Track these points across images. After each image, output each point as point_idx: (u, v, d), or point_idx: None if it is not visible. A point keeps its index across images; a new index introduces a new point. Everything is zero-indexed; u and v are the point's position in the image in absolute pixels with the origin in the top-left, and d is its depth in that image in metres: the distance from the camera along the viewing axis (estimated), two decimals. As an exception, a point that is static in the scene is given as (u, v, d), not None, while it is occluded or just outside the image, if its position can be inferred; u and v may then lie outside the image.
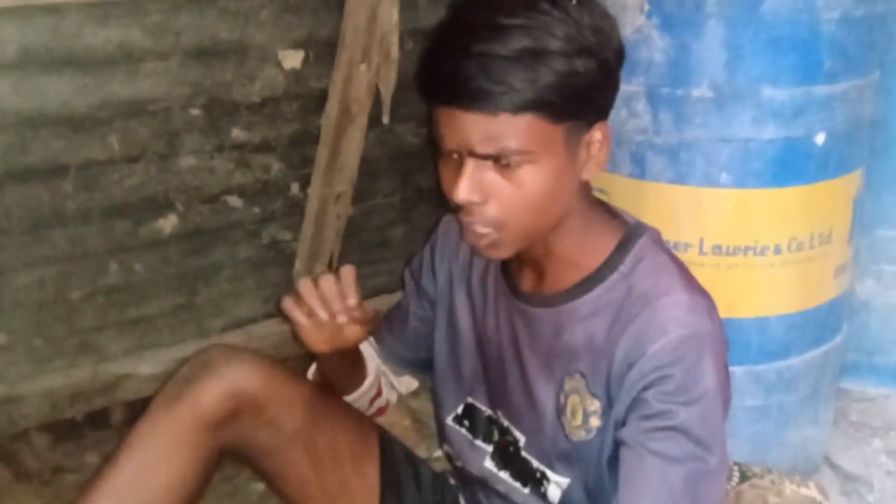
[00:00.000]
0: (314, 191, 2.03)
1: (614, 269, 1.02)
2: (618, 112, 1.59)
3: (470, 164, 0.94)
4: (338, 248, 2.16)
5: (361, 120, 1.98)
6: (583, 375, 1.03)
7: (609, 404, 1.01)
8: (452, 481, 1.31)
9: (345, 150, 2.00)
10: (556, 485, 1.08)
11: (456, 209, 0.99)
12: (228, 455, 1.18)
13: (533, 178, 0.94)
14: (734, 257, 1.58)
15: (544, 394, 1.07)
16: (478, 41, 0.90)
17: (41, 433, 1.93)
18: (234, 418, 1.13)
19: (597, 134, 0.98)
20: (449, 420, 1.20)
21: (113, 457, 1.14)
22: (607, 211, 1.08)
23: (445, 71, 0.91)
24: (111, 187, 1.74)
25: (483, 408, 1.17)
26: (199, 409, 1.11)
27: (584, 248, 1.03)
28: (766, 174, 1.55)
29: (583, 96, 0.93)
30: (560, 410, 1.05)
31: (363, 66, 1.90)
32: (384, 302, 2.35)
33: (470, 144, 0.93)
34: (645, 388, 0.96)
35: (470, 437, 1.18)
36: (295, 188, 2.02)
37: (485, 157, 0.94)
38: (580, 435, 1.04)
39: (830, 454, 1.88)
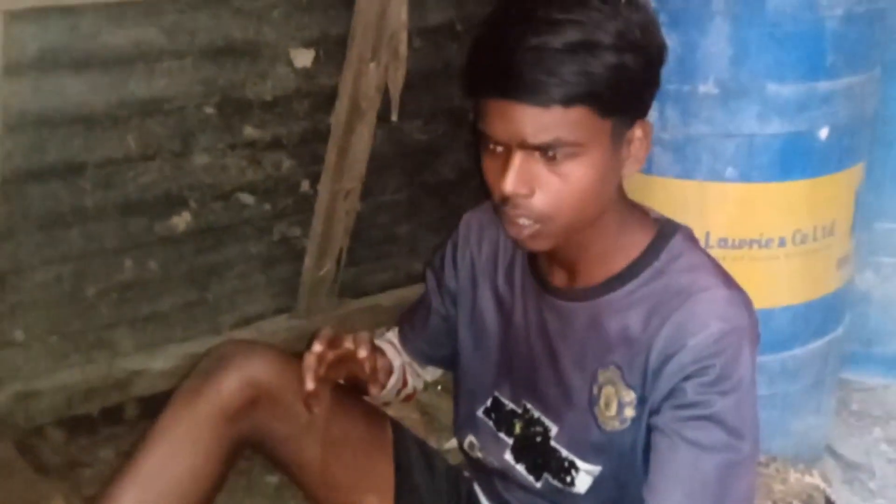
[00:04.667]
0: (324, 187, 2.05)
1: (649, 264, 1.05)
2: (625, 108, 1.62)
3: (518, 157, 0.96)
4: (346, 245, 2.19)
5: (370, 117, 2.00)
6: (618, 367, 1.05)
7: (644, 395, 1.03)
8: (466, 473, 1.33)
9: (354, 147, 2.02)
10: (587, 473, 1.10)
11: (502, 201, 0.99)
12: (247, 445, 1.22)
13: (580, 171, 0.96)
14: (740, 250, 1.61)
15: (578, 386, 1.09)
16: (532, 34, 0.92)
17: (57, 428, 1.95)
18: (251, 408, 1.16)
19: (638, 131, 1.00)
20: (479, 412, 1.22)
21: (136, 449, 1.18)
22: (638, 208, 1.10)
23: (500, 63, 0.93)
24: (127, 185, 1.76)
25: (506, 402, 1.19)
26: (219, 399, 1.14)
27: (619, 244, 1.06)
28: (771, 168, 1.58)
29: (630, 91, 0.96)
30: (593, 402, 1.07)
31: (373, 65, 1.92)
32: (391, 298, 2.38)
33: (521, 136, 0.94)
34: (684, 379, 0.99)
35: (494, 429, 1.20)
36: (305, 185, 2.04)
37: (535, 149, 0.95)
38: (614, 425, 1.06)
39: (832, 443, 1.91)
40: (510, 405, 1.19)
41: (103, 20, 1.55)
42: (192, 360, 2.06)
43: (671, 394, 1.00)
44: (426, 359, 1.36)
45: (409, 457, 1.30)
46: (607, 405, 1.06)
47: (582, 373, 1.09)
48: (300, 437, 1.21)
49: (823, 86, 1.55)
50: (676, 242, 1.06)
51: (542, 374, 1.13)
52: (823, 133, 1.58)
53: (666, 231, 1.07)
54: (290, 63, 1.84)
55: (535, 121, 0.93)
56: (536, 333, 1.13)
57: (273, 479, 1.89)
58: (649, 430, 1.04)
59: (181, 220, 1.89)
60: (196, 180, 1.86)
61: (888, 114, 1.85)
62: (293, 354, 1.24)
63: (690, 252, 1.06)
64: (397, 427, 1.32)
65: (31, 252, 1.74)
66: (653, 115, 1.58)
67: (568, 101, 0.92)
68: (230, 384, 1.15)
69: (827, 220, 1.64)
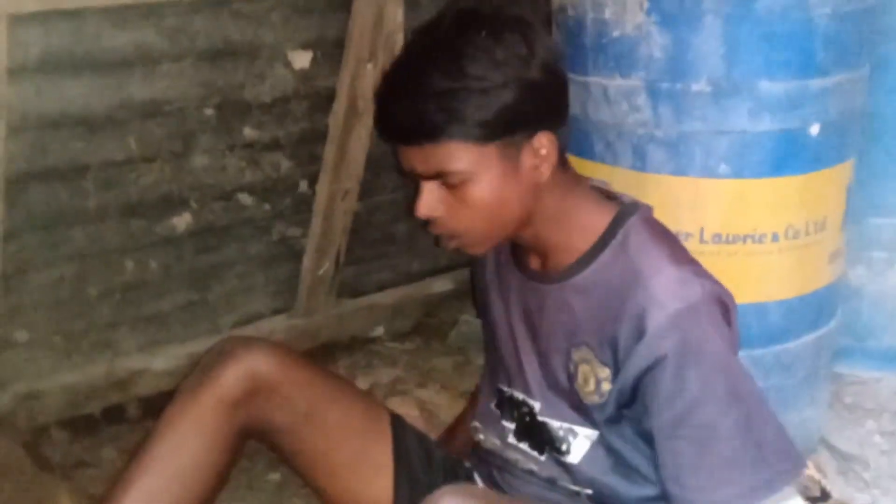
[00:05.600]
0: (322, 188, 2.07)
1: (605, 245, 1.11)
2: (619, 106, 1.64)
3: (425, 185, 1.08)
4: (344, 244, 2.21)
5: (368, 118, 2.02)
6: (590, 347, 1.11)
7: (616, 371, 1.08)
8: (467, 464, 1.37)
9: (352, 147, 2.05)
10: (585, 438, 1.15)
11: (424, 223, 1.13)
12: (249, 435, 1.27)
13: (476, 193, 1.06)
14: (733, 245, 1.63)
15: (556, 364, 1.16)
16: (403, 86, 1.05)
17: (60, 428, 1.97)
18: (251, 398, 1.22)
19: (541, 140, 1.07)
20: (492, 405, 1.29)
21: (143, 443, 1.23)
22: (601, 194, 1.17)
23: (381, 114, 1.09)
24: (128, 186, 1.78)
25: (506, 389, 1.26)
26: (220, 390, 1.21)
27: (577, 228, 1.12)
28: (764, 165, 1.60)
29: (506, 118, 1.04)
30: (572, 378, 1.14)
31: (370, 65, 1.94)
32: (389, 297, 2.40)
33: (415, 170, 1.07)
34: (652, 368, 1.03)
35: (500, 417, 1.27)
36: (303, 185, 2.06)
37: (429, 178, 1.07)
38: (593, 399, 1.12)
39: (827, 435, 1.93)
40: (509, 391, 1.26)
41: (105, 23, 1.57)
42: (193, 359, 2.07)
43: (647, 385, 1.04)
44: None
45: (407, 446, 1.34)
46: (585, 381, 1.12)
47: (558, 352, 1.16)
48: (300, 427, 1.27)
49: (814, 83, 1.57)
50: (632, 223, 1.11)
51: (524, 356, 1.21)
52: (814, 130, 1.60)
53: (624, 213, 1.13)
54: (288, 65, 1.87)
55: (418, 157, 1.06)
56: (519, 317, 1.21)
57: (275, 476, 1.90)
58: (621, 405, 1.10)
59: (181, 221, 1.91)
60: (196, 181, 1.88)
61: (878, 110, 1.87)
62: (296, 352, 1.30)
63: (643, 232, 1.10)
64: (395, 418, 1.37)
65: (34, 253, 1.76)
66: (647, 113, 1.61)
67: (434, 139, 1.03)
68: (230, 376, 1.21)
69: (819, 216, 1.67)
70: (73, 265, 1.82)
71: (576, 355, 1.13)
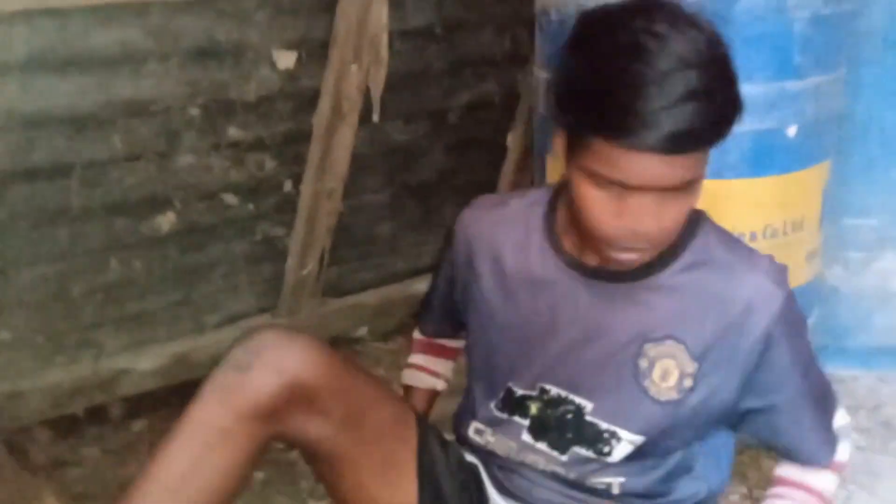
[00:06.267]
0: (306, 188, 2.08)
1: (685, 246, 1.11)
2: (601, 108, 1.66)
3: (650, 198, 0.98)
4: (329, 244, 2.22)
5: (352, 118, 2.04)
6: (679, 341, 1.11)
7: (705, 366, 1.11)
8: (469, 458, 1.33)
9: (336, 147, 2.06)
10: (629, 443, 1.15)
11: (617, 237, 1.01)
12: (277, 440, 1.18)
13: (691, 199, 1.02)
14: (713, 244, 1.66)
15: (621, 361, 1.14)
16: (664, 88, 0.93)
17: (43, 428, 1.97)
18: (286, 409, 1.11)
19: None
20: (492, 404, 1.24)
21: (164, 446, 1.11)
22: None
23: (640, 117, 0.93)
24: (112, 185, 1.79)
25: (518, 389, 1.21)
26: (255, 400, 1.08)
27: None
28: (742, 165, 1.63)
29: (734, 119, 1.00)
30: (641, 375, 1.13)
31: (354, 66, 1.96)
32: (373, 297, 2.42)
33: (662, 182, 0.97)
34: (766, 351, 1.10)
35: (507, 415, 1.23)
36: (288, 185, 2.07)
37: (668, 190, 0.98)
38: (671, 395, 1.12)
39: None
40: (521, 391, 1.21)
41: (90, 22, 1.58)
42: (177, 359, 2.08)
43: (763, 369, 1.11)
44: (450, 333, 1.42)
45: (431, 450, 1.29)
46: (664, 377, 1.12)
47: (625, 348, 1.13)
48: (333, 435, 1.17)
49: (791, 85, 1.61)
50: (705, 224, 1.14)
51: (574, 356, 1.16)
52: (792, 131, 1.63)
53: (692, 214, 1.10)
54: (273, 65, 1.88)
55: (673, 167, 0.96)
56: (569, 318, 1.16)
57: (259, 475, 1.91)
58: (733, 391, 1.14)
59: (166, 220, 1.92)
60: (180, 181, 1.89)
61: (854, 112, 1.91)
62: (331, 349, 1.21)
63: (720, 232, 1.15)
64: (420, 421, 1.31)
65: (18, 252, 1.76)
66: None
67: (702, 147, 0.98)
68: (267, 385, 1.09)
69: (796, 215, 1.70)
70: (56, 265, 1.82)
71: (652, 351, 1.12)
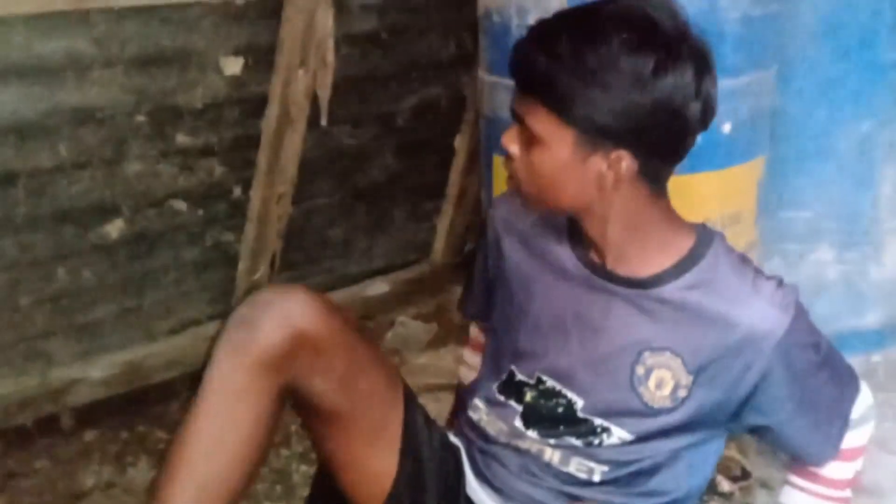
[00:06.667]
0: (256, 193, 2.10)
1: (695, 263, 1.15)
2: (544, 108, 1.71)
3: (513, 125, 1.12)
4: (279, 248, 2.23)
5: (300, 123, 2.06)
6: (676, 354, 1.15)
7: (700, 381, 1.14)
8: (452, 439, 1.36)
9: (285, 152, 2.08)
10: (618, 438, 1.18)
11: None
12: (287, 394, 1.19)
13: (536, 157, 1.10)
14: (654, 239, 1.71)
15: (618, 364, 1.17)
16: (545, 41, 1.06)
17: (-8, 440, 1.95)
18: (295, 360, 1.14)
19: (619, 156, 1.08)
20: (495, 385, 1.28)
21: (190, 415, 1.15)
22: (676, 215, 1.18)
23: (520, 57, 1.07)
24: (59, 194, 1.78)
25: (519, 374, 1.25)
26: (264, 352, 1.11)
27: (652, 243, 1.15)
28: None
29: (594, 119, 1.06)
30: (637, 381, 1.16)
31: (301, 71, 1.98)
32: (325, 300, 2.43)
33: (516, 110, 1.10)
34: (766, 376, 1.12)
35: (503, 398, 1.26)
36: (237, 191, 2.08)
37: (520, 123, 1.10)
38: (664, 403, 1.16)
39: (748, 419, 2.03)
40: (521, 377, 1.25)
41: (34, 30, 1.58)
42: (129, 367, 2.08)
43: (763, 391, 1.14)
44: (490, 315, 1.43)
45: (416, 424, 1.31)
46: (659, 386, 1.16)
47: (623, 353, 1.17)
48: (333, 391, 1.19)
49: (725, 83, 1.63)
50: (717, 245, 1.17)
51: (572, 351, 1.20)
52: (727, 128, 1.69)
53: (706, 235, 1.17)
54: (219, 71, 1.90)
55: (523, 102, 1.09)
56: (574, 313, 1.20)
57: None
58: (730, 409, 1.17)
59: (114, 228, 1.92)
60: (129, 188, 1.89)
61: (788, 109, 1.98)
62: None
63: (731, 254, 1.18)
64: (407, 389, 1.34)
65: (-37, 263, 1.75)
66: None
67: (537, 98, 1.07)
68: (274, 335, 1.12)
69: (733, 209, 1.76)
70: (3, 274, 1.81)
71: (650, 360, 1.16)
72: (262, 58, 1.94)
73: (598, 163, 1.09)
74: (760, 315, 1.12)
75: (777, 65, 1.81)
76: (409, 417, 1.29)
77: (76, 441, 2.04)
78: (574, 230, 1.22)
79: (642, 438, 1.19)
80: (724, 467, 1.80)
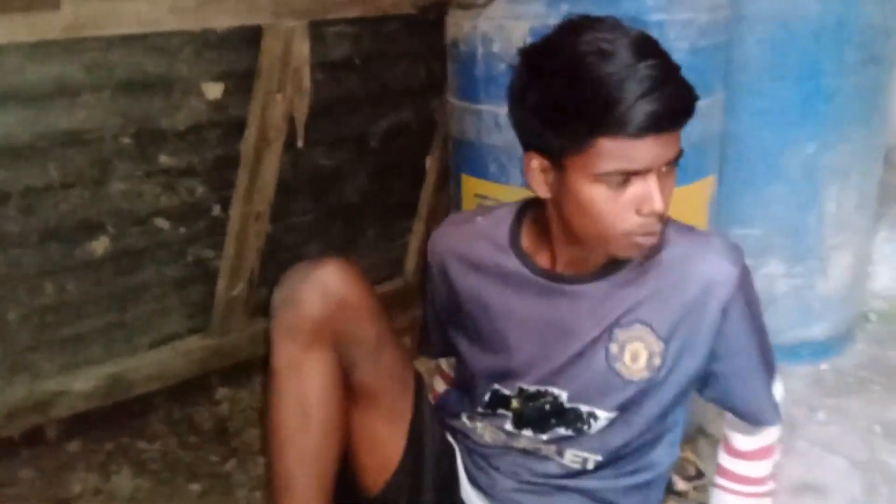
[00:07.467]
0: (235, 211, 2.17)
1: None
2: (509, 132, 1.80)
3: (651, 179, 1.10)
4: (258, 265, 2.30)
5: (278, 145, 2.14)
6: (645, 324, 1.22)
7: (671, 345, 1.22)
8: (450, 439, 1.41)
9: (263, 172, 2.15)
10: (605, 419, 1.26)
11: (635, 226, 1.12)
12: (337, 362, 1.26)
13: (675, 174, 1.16)
14: (613, 253, 1.82)
15: (593, 350, 1.24)
16: (671, 74, 1.09)
17: (-22, 451, 2.00)
18: (338, 325, 1.22)
19: None
20: (479, 408, 1.34)
21: (272, 400, 1.24)
22: None
23: (649, 107, 1.06)
24: (48, 212, 1.85)
25: (501, 389, 1.31)
26: (311, 322, 1.20)
27: None
28: (636, 181, 1.80)
29: None
30: (613, 359, 1.23)
31: (279, 96, 2.06)
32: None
33: (666, 158, 1.10)
34: (723, 321, 1.20)
35: (492, 411, 1.33)
36: (217, 209, 2.15)
37: (668, 164, 1.12)
38: (642, 375, 1.23)
39: (704, 425, 2.13)
40: (504, 391, 1.30)
41: (26, 57, 1.65)
42: (112, 380, 2.13)
43: (719, 339, 1.22)
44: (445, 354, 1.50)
45: (424, 409, 1.37)
46: (634, 358, 1.23)
47: (597, 338, 1.23)
48: (365, 359, 1.27)
49: (676, 108, 1.78)
50: None
51: (551, 356, 1.25)
52: (678, 149, 1.81)
53: None
54: (201, 95, 1.97)
55: (668, 144, 1.10)
56: (544, 321, 1.25)
57: (196, 486, 1.98)
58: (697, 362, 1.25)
59: (100, 245, 1.99)
60: (114, 206, 1.96)
61: (739, 132, 2.10)
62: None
63: (671, 221, 1.24)
64: (419, 375, 1.39)
65: (-46, 278, 1.81)
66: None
67: (683, 122, 1.12)
68: (317, 305, 1.20)
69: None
70: (-8, 290, 1.87)
71: (622, 335, 1.22)
72: (241, 83, 2.02)
73: None
74: (713, 267, 1.20)
75: (725, 91, 1.94)
76: (418, 404, 1.35)
77: (60, 451, 2.09)
78: (520, 251, 1.27)
79: (627, 416, 1.26)
80: (679, 468, 1.90)
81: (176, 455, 2.10)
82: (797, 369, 2.30)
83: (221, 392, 2.35)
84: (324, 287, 1.21)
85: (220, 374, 2.35)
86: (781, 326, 2.31)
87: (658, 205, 1.10)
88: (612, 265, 1.23)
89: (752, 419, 1.32)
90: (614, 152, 1.07)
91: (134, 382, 2.16)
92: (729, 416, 1.35)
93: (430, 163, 2.60)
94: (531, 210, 1.30)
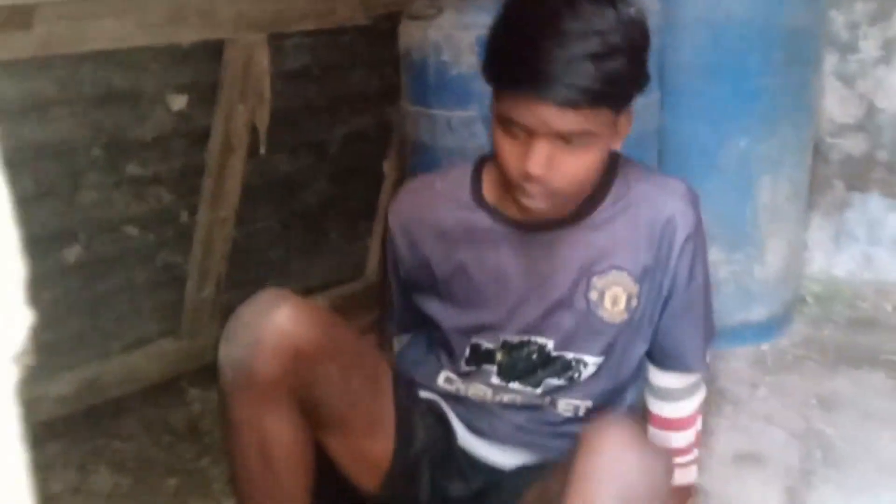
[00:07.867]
0: (202, 217, 2.23)
1: (610, 185, 1.27)
2: (460, 134, 1.92)
3: (542, 142, 1.09)
4: (225, 269, 2.37)
5: (241, 152, 2.21)
6: (620, 269, 1.27)
7: (646, 286, 1.28)
8: (431, 396, 1.41)
9: (228, 179, 2.22)
10: (594, 365, 1.30)
11: (523, 178, 1.12)
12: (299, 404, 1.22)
13: (591, 156, 1.13)
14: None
15: (572, 297, 1.26)
16: (563, 46, 1.05)
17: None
18: (295, 374, 1.16)
19: (628, 113, 1.18)
20: (461, 363, 1.34)
21: (233, 457, 1.22)
22: None
23: (536, 70, 1.05)
24: (22, 222, 1.90)
25: (482, 343, 1.31)
26: (270, 381, 1.14)
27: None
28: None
29: (632, 87, 1.14)
30: (594, 305, 1.27)
31: (241, 106, 2.14)
32: (268, 316, 2.57)
33: (551, 128, 1.07)
34: (682, 253, 1.27)
35: (475, 367, 1.33)
36: (184, 216, 2.22)
37: (558, 137, 1.09)
38: (623, 317, 1.28)
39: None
40: (486, 345, 1.31)
41: (2, 75, 1.72)
42: (86, 384, 2.19)
43: (675, 277, 1.28)
44: (419, 323, 1.46)
45: (405, 403, 1.36)
46: (614, 302, 1.27)
47: (575, 285, 1.26)
48: (332, 394, 1.22)
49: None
50: (623, 163, 1.29)
51: (529, 305, 1.27)
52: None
53: (611, 160, 1.25)
54: (167, 107, 2.04)
55: (565, 117, 1.08)
56: (520, 270, 1.26)
57: (172, 481, 2.06)
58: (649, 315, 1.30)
59: (72, 253, 2.05)
60: (85, 215, 2.01)
61: (678, 130, 2.23)
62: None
63: (634, 165, 1.31)
64: (394, 372, 1.39)
65: (-69, 288, 1.85)
66: (483, 138, 1.89)
67: (594, 104, 1.08)
68: (270, 365, 1.13)
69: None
70: (-32, 298, 1.92)
71: (600, 282, 1.25)
72: (205, 94, 2.09)
73: (623, 127, 1.18)
74: (673, 208, 1.27)
75: (660, 92, 2.07)
76: (398, 399, 1.34)
77: (38, 456, 2.14)
78: (484, 203, 1.28)
79: (613, 358, 1.30)
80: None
81: (151, 453, 2.17)
82: (740, 350, 2.45)
83: (193, 393, 2.42)
84: (275, 343, 1.14)
85: (191, 376, 2.42)
86: (724, 310, 2.45)
87: (531, 166, 1.09)
88: (581, 210, 1.25)
89: (679, 361, 1.36)
90: (508, 102, 1.10)
91: (108, 385, 2.22)
92: (652, 374, 1.41)
93: (388, 166, 2.67)
94: (488, 163, 1.30)
